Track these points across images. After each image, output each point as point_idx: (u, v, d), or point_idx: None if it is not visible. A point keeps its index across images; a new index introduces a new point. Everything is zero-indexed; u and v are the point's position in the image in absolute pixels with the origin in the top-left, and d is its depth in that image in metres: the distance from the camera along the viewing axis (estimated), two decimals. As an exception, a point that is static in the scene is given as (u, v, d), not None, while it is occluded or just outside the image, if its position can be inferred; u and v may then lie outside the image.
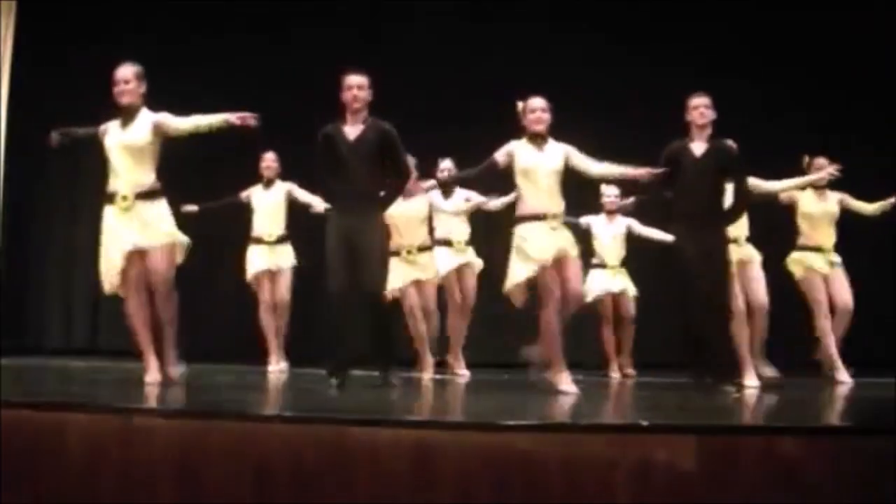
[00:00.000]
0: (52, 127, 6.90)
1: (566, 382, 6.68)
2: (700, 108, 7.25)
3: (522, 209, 6.84)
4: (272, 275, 9.17)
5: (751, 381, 7.59)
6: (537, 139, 6.83)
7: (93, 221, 10.51)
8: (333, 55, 8.05)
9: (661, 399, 6.67)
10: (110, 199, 6.59)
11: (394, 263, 8.01)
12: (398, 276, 8.24)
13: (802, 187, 8.45)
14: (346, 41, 10.25)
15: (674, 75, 9.58)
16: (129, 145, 6.59)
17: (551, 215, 6.73)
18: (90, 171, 10.52)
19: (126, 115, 6.65)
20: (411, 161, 8.12)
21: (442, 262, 8.87)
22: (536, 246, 6.67)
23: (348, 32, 10.51)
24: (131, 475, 4.49)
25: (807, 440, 4.31)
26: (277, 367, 9.07)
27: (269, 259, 9.14)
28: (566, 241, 6.78)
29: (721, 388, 6.90)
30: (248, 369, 8.81)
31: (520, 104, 6.88)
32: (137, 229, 6.51)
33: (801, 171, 8.47)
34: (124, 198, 6.52)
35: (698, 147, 7.27)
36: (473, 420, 4.91)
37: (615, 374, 8.99)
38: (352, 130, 6.96)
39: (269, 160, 9.23)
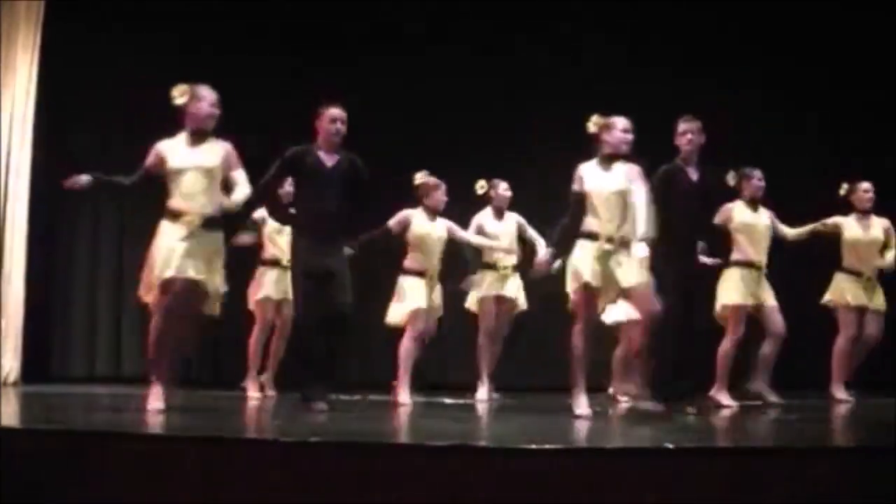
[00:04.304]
0: (77, 159, 6.85)
1: (582, 406, 6.57)
2: (688, 135, 7.36)
3: (582, 227, 6.68)
4: (280, 302, 8.90)
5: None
6: (608, 159, 6.66)
7: (116, 249, 10.78)
8: (350, 75, 8.13)
9: (684, 421, 6.62)
10: (175, 216, 6.40)
11: (415, 284, 8.17)
12: (418, 298, 8.24)
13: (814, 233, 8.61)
14: (357, 60, 10.46)
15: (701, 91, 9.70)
16: (204, 168, 6.45)
17: (605, 237, 6.54)
18: (114, 199, 10.75)
19: (198, 136, 6.52)
20: (426, 176, 8.38)
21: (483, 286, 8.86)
22: (581, 265, 6.55)
23: (354, 50, 10.63)
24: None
25: (834, 461, 4.28)
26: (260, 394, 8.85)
27: (283, 285, 8.83)
28: (616, 267, 6.51)
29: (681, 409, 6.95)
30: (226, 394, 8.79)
31: (593, 124, 6.71)
32: (198, 258, 6.36)
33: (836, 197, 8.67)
34: (191, 221, 6.37)
35: (693, 171, 7.36)
36: (497, 444, 4.87)
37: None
38: (328, 158, 7.13)
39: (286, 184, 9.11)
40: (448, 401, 8.34)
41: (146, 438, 4.77)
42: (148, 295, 6.49)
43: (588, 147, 7.33)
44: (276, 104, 10.04)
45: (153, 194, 7.83)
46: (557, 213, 9.51)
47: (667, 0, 10.44)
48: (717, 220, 8.03)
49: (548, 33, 10.65)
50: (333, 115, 7.11)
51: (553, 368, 9.49)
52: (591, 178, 6.64)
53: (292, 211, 7.58)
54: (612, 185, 6.58)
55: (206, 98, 6.51)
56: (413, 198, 8.50)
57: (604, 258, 6.50)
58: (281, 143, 7.37)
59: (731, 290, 8.04)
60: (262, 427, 5.59)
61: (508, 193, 9.01)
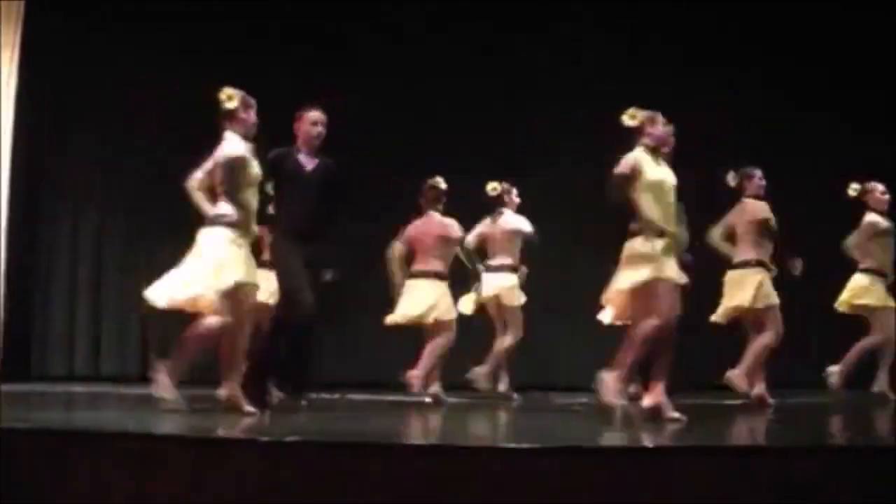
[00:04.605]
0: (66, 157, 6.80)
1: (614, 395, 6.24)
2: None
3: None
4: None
5: None
6: (655, 151, 6.40)
7: (95, 248, 10.67)
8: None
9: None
10: (237, 226, 6.30)
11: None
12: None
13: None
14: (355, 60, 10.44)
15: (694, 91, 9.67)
16: (261, 180, 6.52)
17: (670, 232, 6.28)
18: (93, 197, 10.76)
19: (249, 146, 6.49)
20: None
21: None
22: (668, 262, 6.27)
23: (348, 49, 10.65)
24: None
25: (822, 460, 4.23)
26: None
27: None
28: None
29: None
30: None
31: (631, 116, 6.42)
32: (247, 264, 6.37)
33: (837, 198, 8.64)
34: (243, 234, 6.32)
35: None
36: (490, 444, 4.83)
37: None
38: (308, 161, 7.18)
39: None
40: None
41: (126, 437, 4.72)
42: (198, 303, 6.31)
43: (588, 147, 7.36)
44: (276, 104, 9.97)
45: (129, 196, 7.74)
46: (557, 212, 9.63)
47: (667, 0, 10.41)
48: (748, 218, 7.94)
49: (548, 33, 10.65)
50: (314, 118, 7.16)
51: (535, 368, 9.55)
52: (652, 169, 6.33)
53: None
54: (671, 178, 6.41)
55: (254, 106, 6.48)
56: (410, 199, 8.49)
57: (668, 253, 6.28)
58: (281, 143, 7.33)
59: (771, 291, 7.90)
60: (243, 426, 5.54)
61: (517, 200, 9.05)
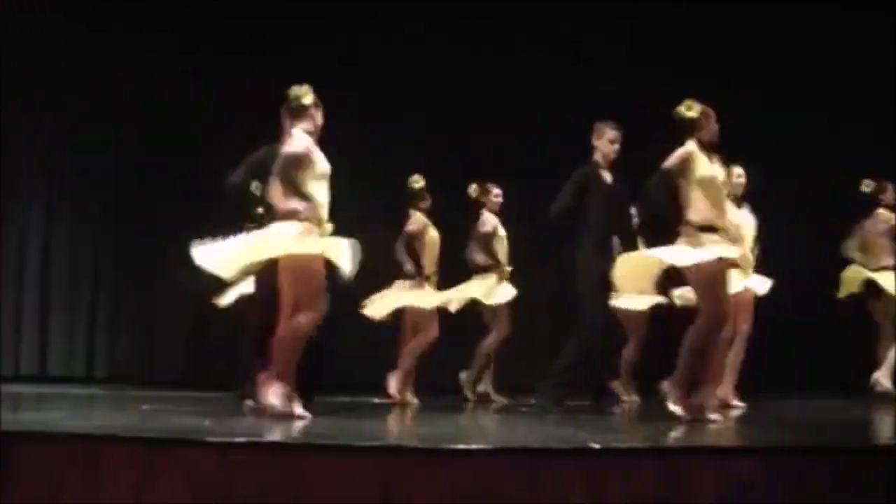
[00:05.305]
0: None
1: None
2: (616, 144, 7.47)
3: (693, 216, 6.17)
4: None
5: None
6: (710, 148, 6.31)
7: (42, 248, 10.55)
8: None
9: (612, 421, 6.60)
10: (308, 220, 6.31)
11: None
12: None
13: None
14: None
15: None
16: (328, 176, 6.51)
17: (729, 234, 6.23)
18: (40, 198, 10.70)
19: None
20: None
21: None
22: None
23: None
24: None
25: (762, 461, 4.18)
26: None
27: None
28: None
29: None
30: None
31: (689, 108, 6.33)
32: None
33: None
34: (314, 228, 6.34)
35: (607, 175, 7.54)
36: (433, 445, 4.81)
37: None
38: None
39: None
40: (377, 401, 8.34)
41: (74, 438, 4.71)
42: None
43: (587, 147, 7.35)
44: (276, 104, 9.99)
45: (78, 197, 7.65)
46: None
47: (667, 0, 10.34)
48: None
49: (548, 33, 10.60)
50: None
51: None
52: (705, 165, 6.22)
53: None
54: (722, 175, 6.37)
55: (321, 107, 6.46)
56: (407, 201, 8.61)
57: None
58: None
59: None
60: (195, 427, 5.54)
61: (499, 199, 8.98)
